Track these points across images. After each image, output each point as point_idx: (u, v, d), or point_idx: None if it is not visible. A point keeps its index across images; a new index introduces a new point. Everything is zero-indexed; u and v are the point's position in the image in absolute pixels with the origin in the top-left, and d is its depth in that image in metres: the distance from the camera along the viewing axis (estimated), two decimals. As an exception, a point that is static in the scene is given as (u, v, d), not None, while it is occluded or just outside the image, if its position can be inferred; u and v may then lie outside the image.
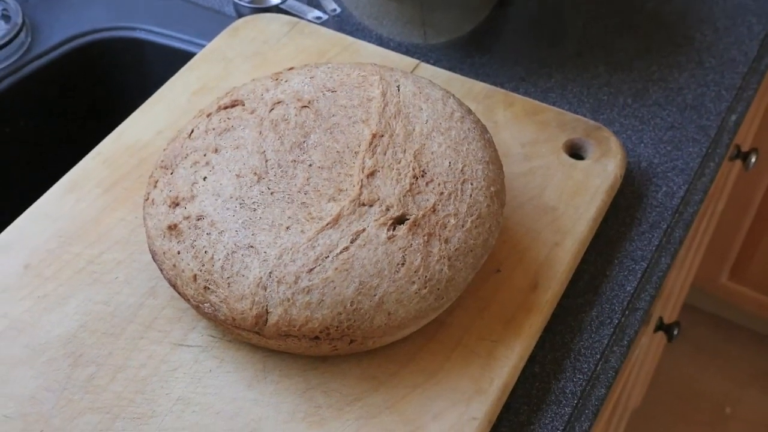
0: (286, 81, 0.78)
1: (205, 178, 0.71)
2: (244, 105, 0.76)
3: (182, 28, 1.02)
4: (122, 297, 0.74)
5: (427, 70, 0.94)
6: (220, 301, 0.67)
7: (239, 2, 1.04)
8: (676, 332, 1.24)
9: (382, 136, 0.72)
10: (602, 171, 0.84)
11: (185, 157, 0.73)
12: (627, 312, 0.80)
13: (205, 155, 0.73)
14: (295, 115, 0.75)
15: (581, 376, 0.75)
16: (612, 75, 1.01)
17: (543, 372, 0.75)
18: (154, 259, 0.71)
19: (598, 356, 0.77)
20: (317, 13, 1.01)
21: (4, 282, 0.75)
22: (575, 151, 0.88)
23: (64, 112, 1.04)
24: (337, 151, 0.71)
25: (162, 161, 0.75)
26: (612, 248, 0.84)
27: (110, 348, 0.71)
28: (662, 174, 0.91)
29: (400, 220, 0.68)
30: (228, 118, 0.75)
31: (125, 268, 0.76)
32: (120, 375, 0.69)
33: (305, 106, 0.75)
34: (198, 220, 0.69)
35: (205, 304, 0.67)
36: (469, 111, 0.78)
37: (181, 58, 0.98)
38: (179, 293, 0.70)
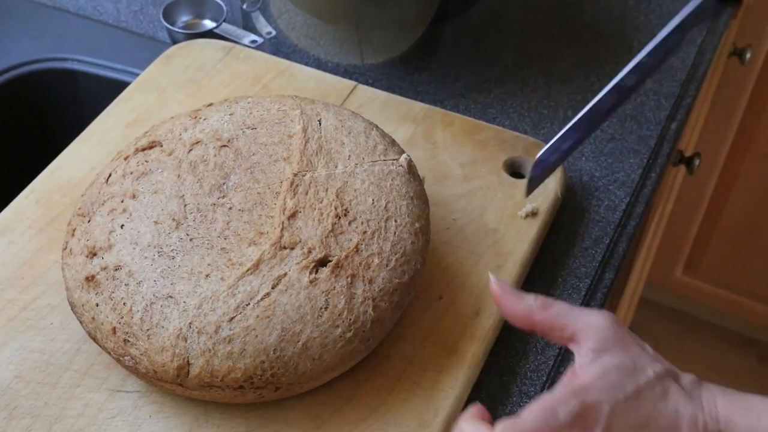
0: (204, 119, 0.77)
1: (122, 226, 0.69)
2: (162, 146, 0.75)
3: (116, 56, 1.01)
4: (57, 343, 0.72)
5: (366, 91, 0.93)
6: (141, 354, 0.65)
7: (172, 28, 1.02)
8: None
9: (304, 175, 0.71)
10: (542, 189, 0.84)
11: (102, 204, 0.72)
12: (572, 331, 0.80)
13: (122, 201, 0.71)
14: (214, 156, 0.73)
15: (528, 400, 0.75)
16: (551, 87, 1.01)
17: (489, 398, 0.75)
18: (73, 311, 0.70)
19: (545, 378, 0.76)
20: (253, 36, 0.99)
21: (-66, 334, 0.73)
22: (515, 170, 0.88)
23: (-1, 143, 1.02)
24: (258, 192, 0.70)
25: (79, 208, 0.73)
26: (556, 267, 0.84)
27: (46, 398, 0.69)
28: (604, 187, 0.91)
29: (322, 263, 0.67)
30: (146, 161, 0.74)
31: (60, 313, 0.74)
32: (56, 426, 0.68)
33: (224, 146, 0.74)
34: (116, 270, 0.67)
35: (126, 357, 0.66)
36: (393, 142, 0.77)
37: (116, 87, 0.96)
38: (100, 346, 0.68)
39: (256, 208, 0.69)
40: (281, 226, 0.68)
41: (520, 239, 0.81)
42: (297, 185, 0.70)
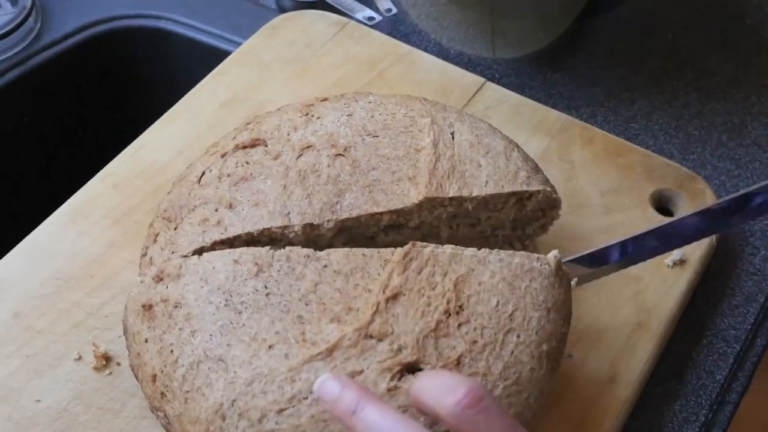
0: (318, 118, 0.65)
1: (200, 252, 0.58)
2: (266, 146, 0.63)
3: (215, 20, 0.89)
4: (125, 362, 0.63)
5: (494, 91, 0.81)
6: (174, 416, 0.54)
7: (282, -4, 0.90)
8: None
9: (425, 246, 0.57)
10: (696, 234, 0.71)
11: (192, 210, 0.61)
12: (716, 407, 0.68)
13: (216, 210, 0.60)
14: (328, 166, 0.62)
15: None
16: (704, 104, 0.88)
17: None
18: (124, 335, 0.60)
19: (682, 462, 0.65)
20: (369, 12, 0.87)
21: (-13, 335, 0.64)
22: (663, 205, 0.75)
23: (75, 112, 0.91)
24: (363, 255, 0.57)
25: (165, 210, 0.63)
26: (700, 325, 0.72)
27: (108, 427, 0.60)
28: (761, 233, 0.78)
29: (410, 368, 0.52)
30: (246, 162, 0.63)
31: (131, 326, 0.64)
32: (116, 466, 0.58)
33: (340, 154, 0.62)
34: (175, 308, 0.56)
35: (159, 412, 0.56)
36: (536, 169, 0.65)
37: (212, 56, 0.86)
38: (139, 384, 0.58)
39: (355, 274, 0.56)
40: (375, 308, 0.54)
41: (666, 292, 0.69)
42: (411, 258, 0.56)
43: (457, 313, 0.54)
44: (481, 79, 0.82)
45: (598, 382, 0.64)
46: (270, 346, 0.53)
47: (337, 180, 0.61)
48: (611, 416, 0.62)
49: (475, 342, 0.54)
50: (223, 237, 0.60)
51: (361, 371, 0.52)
